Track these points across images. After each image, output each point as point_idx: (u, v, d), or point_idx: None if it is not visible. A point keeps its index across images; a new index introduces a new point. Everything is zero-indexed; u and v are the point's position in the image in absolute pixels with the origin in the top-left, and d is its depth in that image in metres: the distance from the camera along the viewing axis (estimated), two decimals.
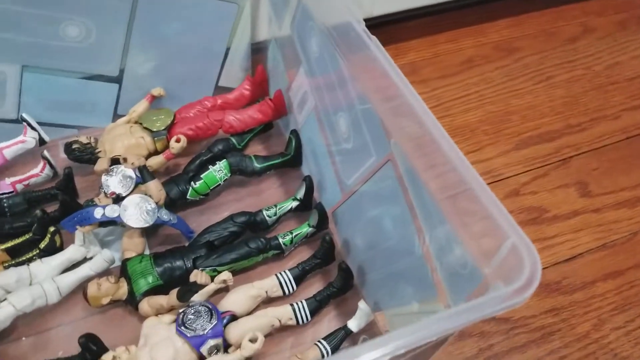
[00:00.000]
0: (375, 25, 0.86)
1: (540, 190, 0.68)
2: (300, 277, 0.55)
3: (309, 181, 0.60)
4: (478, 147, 0.73)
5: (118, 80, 0.66)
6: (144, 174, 0.56)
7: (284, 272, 0.54)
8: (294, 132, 0.64)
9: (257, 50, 0.71)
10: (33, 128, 0.60)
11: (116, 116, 0.67)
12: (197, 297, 0.51)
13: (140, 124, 0.64)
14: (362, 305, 0.51)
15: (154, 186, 0.56)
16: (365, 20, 0.81)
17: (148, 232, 0.57)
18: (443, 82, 0.81)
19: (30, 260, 0.53)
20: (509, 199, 0.67)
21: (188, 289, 0.49)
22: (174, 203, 0.59)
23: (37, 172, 0.60)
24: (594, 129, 0.76)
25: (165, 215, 0.55)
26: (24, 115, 0.60)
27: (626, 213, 0.67)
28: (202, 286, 0.49)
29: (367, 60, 0.45)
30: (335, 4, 0.49)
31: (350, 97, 0.49)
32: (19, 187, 0.59)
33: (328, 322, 0.54)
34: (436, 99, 0.79)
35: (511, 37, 0.89)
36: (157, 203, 0.55)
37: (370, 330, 0.52)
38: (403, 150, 0.43)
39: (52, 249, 0.54)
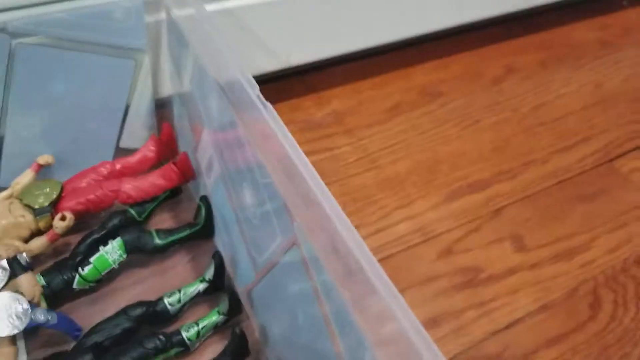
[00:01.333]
0: (295, 73, 0.77)
1: (474, 247, 0.60)
2: None
3: (217, 258, 0.49)
4: (408, 201, 0.64)
5: None
6: (13, 266, 0.44)
7: None
8: (204, 199, 0.54)
9: (162, 106, 0.60)
10: None
11: None
12: None
13: (21, 199, 0.52)
14: None
15: (26, 281, 0.44)
16: (284, 70, 0.73)
17: (25, 334, 0.45)
18: (369, 131, 0.73)
19: None
20: (442, 259, 0.59)
21: None
22: (58, 295, 0.47)
23: None
24: (525, 175, 0.69)
25: (41, 315, 0.43)
26: None
27: (563, 267, 0.60)
28: None
29: (264, 129, 0.36)
30: (228, 63, 0.40)
31: (251, 167, 0.40)
32: None
33: None
34: (363, 149, 0.70)
35: (437, 79, 0.82)
36: (30, 301, 0.43)
37: None
38: (306, 235, 0.34)
39: None
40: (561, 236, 0.63)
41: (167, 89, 0.59)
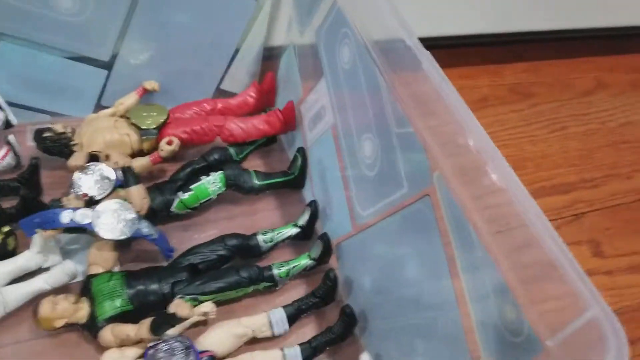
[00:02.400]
0: None
1: None
2: (294, 317, 0.45)
3: (314, 207, 0.51)
4: None
5: (108, 66, 0.56)
6: (127, 177, 0.46)
7: (277, 310, 0.45)
8: (301, 150, 0.55)
9: (269, 56, 0.62)
10: (0, 108, 0.50)
11: (99, 107, 0.57)
12: (171, 331, 0.41)
13: (128, 118, 0.54)
14: (364, 357, 0.42)
15: (137, 192, 0.46)
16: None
17: (121, 246, 0.47)
18: None
19: None
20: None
21: (165, 321, 0.39)
22: (156, 214, 0.49)
23: None
24: (607, 186, 0.70)
25: (145, 228, 0.45)
26: None
27: (639, 278, 0.60)
28: (181, 320, 0.39)
29: (416, 78, 0.37)
30: (381, 11, 0.40)
31: (385, 119, 0.41)
32: None
33: None
34: None
35: (528, 81, 0.83)
36: (137, 213, 0.45)
37: None
38: (450, 186, 0.34)
39: (3, 253, 0.43)
40: (639, 250, 0.63)
41: (279, 38, 0.60)
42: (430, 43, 0.77)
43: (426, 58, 0.37)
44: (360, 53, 0.43)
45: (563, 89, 0.83)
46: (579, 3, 0.82)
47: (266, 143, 0.59)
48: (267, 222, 0.53)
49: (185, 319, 0.39)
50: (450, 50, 0.84)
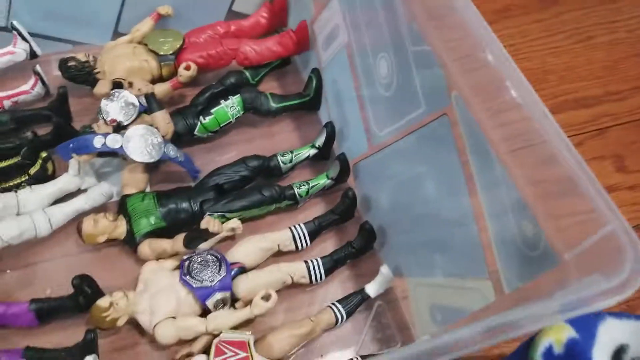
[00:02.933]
0: None
1: None
2: (315, 233, 0.53)
3: (330, 128, 0.57)
4: None
5: None
6: (151, 103, 0.53)
7: (299, 225, 0.52)
8: (316, 71, 0.61)
9: None
10: (24, 39, 0.56)
11: (117, 34, 0.63)
12: (203, 245, 0.49)
13: (145, 45, 0.60)
14: (384, 270, 0.49)
15: (162, 117, 0.53)
16: None
17: (150, 168, 0.54)
18: None
19: (17, 186, 0.50)
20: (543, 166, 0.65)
21: (197, 236, 0.47)
22: (180, 138, 0.56)
23: (28, 89, 0.56)
24: (634, 99, 0.74)
25: (172, 151, 0.52)
26: (15, 23, 0.56)
27: None
28: (212, 234, 0.47)
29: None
30: None
31: (400, 36, 0.45)
32: (7, 103, 0.55)
33: (341, 284, 0.53)
34: None
35: None
36: (163, 137, 0.52)
37: (387, 296, 0.51)
38: (468, 105, 0.38)
39: (43, 177, 0.51)
40: None
41: None
42: None
43: None
44: None
45: None
46: None
47: (280, 65, 0.65)
48: (285, 144, 0.60)
49: (215, 234, 0.47)
50: None
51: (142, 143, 0.50)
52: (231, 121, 0.58)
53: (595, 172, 0.65)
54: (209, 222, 0.46)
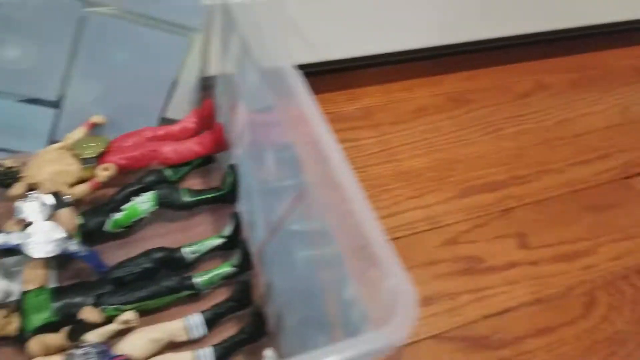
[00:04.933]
0: (333, 70, 0.81)
1: (479, 240, 0.61)
2: (212, 322, 0.47)
3: (236, 218, 0.53)
4: (421, 193, 0.66)
5: (57, 105, 0.59)
6: (58, 201, 0.49)
7: (194, 315, 0.47)
8: (232, 167, 0.57)
9: (207, 85, 0.64)
10: None
11: (52, 142, 0.60)
12: (95, 338, 0.43)
13: (72, 150, 0.57)
14: (268, 353, 0.43)
15: (66, 214, 0.49)
16: (322, 63, 0.76)
17: (59, 265, 0.49)
18: (394, 128, 0.75)
19: None
20: (445, 246, 0.60)
21: (80, 328, 0.42)
22: (91, 234, 0.52)
23: None
24: (539, 182, 0.70)
25: (73, 246, 0.48)
26: None
27: (563, 267, 0.60)
28: (93, 325, 0.41)
29: (296, 105, 0.39)
30: (273, 50, 0.43)
31: (277, 138, 0.43)
32: None
33: None
34: (385, 143, 0.73)
35: (465, 89, 0.84)
36: (68, 233, 0.48)
37: None
38: (315, 191, 0.36)
39: None
40: (566, 240, 0.63)
41: (213, 69, 0.63)
42: (377, 60, 0.80)
43: (299, 85, 0.39)
44: (260, 81, 0.46)
45: (501, 94, 0.84)
46: (515, 10, 0.83)
47: (204, 163, 0.61)
48: (202, 236, 0.55)
49: (95, 324, 0.41)
50: (394, 66, 0.86)
51: (43, 239, 0.46)
52: (144, 216, 0.53)
53: (499, 249, 0.60)
54: (85, 312, 0.41)
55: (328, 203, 0.34)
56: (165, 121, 0.65)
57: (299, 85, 0.40)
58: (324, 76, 0.81)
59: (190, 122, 0.63)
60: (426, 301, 0.55)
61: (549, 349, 0.52)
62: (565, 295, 0.57)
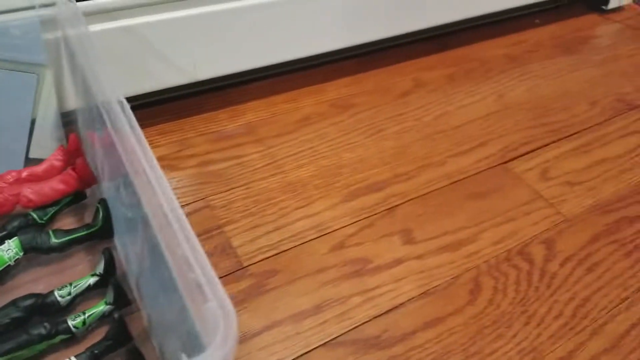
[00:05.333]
0: (212, 89, 0.81)
1: (365, 241, 0.64)
2: None
3: (107, 254, 0.52)
4: (308, 202, 0.68)
5: None
6: None
7: (70, 358, 0.45)
8: (102, 201, 0.56)
9: (69, 119, 0.63)
10: None
11: None
12: None
13: None
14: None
15: None
16: (193, 84, 0.77)
17: None
18: (279, 140, 0.76)
19: None
20: (333, 252, 0.62)
21: None
22: None
23: None
24: (420, 177, 0.73)
25: None
26: None
27: (448, 257, 0.63)
28: None
29: (122, 137, 0.39)
30: (101, 83, 0.43)
31: (121, 168, 0.43)
32: None
33: None
34: (271, 156, 0.74)
35: (349, 94, 0.87)
36: None
37: None
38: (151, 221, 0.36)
39: None
40: (449, 230, 0.66)
41: (72, 102, 0.62)
42: (260, 74, 0.82)
43: (122, 118, 0.39)
44: (102, 121, 0.46)
45: (382, 95, 0.87)
46: (389, 12, 0.86)
47: (74, 200, 0.60)
48: (79, 277, 0.54)
49: None
50: (278, 78, 0.88)
51: None
52: (10, 264, 0.51)
53: (385, 248, 0.62)
54: None
55: (161, 233, 0.34)
56: (32, 161, 0.63)
57: (122, 118, 0.40)
58: (205, 94, 0.82)
59: (56, 160, 0.61)
60: (315, 309, 0.56)
61: (438, 340, 0.55)
62: (451, 285, 0.60)
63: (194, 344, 0.32)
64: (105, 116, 0.41)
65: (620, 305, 0.59)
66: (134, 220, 0.43)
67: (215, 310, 0.27)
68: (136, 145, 0.37)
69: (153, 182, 0.34)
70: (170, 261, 0.33)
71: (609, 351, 0.55)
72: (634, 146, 0.83)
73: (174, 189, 0.67)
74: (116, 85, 0.41)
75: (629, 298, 0.60)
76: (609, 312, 0.59)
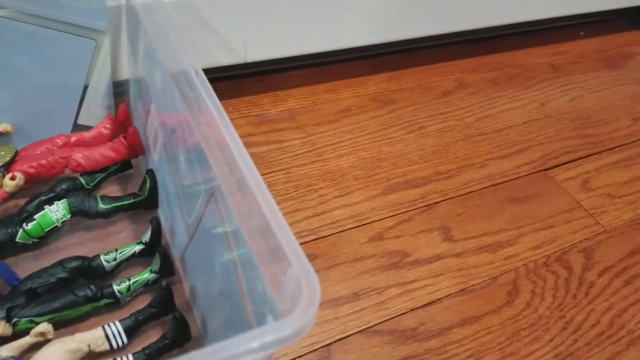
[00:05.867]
0: (255, 73, 0.83)
1: (404, 235, 0.65)
2: (133, 329, 0.47)
3: (155, 223, 0.53)
4: (347, 191, 0.69)
5: None
6: None
7: (113, 323, 0.47)
8: (150, 172, 0.58)
9: (120, 89, 0.65)
10: None
11: None
12: (8, 352, 0.42)
13: None
14: None
15: None
16: (245, 67, 0.78)
17: None
18: (319, 129, 0.78)
19: None
20: (372, 242, 0.63)
21: None
22: (2, 246, 0.51)
23: None
24: (461, 177, 0.74)
25: None
26: None
27: (487, 258, 0.64)
28: (5, 339, 0.41)
29: (201, 107, 0.41)
30: (179, 54, 0.44)
31: (187, 140, 0.44)
32: None
33: None
34: (311, 144, 0.75)
35: (389, 89, 0.88)
36: None
37: None
38: (224, 193, 0.38)
39: None
40: (489, 231, 0.67)
41: (125, 72, 0.63)
42: (301, 62, 0.83)
43: (204, 92, 0.40)
44: (167, 83, 0.47)
45: (423, 93, 0.88)
46: (435, 10, 0.88)
47: (121, 169, 0.61)
48: (121, 244, 0.55)
49: (10, 338, 0.41)
50: (319, 68, 0.89)
51: None
52: (57, 225, 0.53)
53: (424, 243, 0.64)
54: None
55: (237, 204, 0.36)
56: (80, 128, 0.64)
57: (201, 90, 0.41)
58: (250, 78, 0.83)
59: (104, 128, 0.63)
60: (354, 297, 0.57)
61: (474, 338, 0.56)
62: (489, 285, 0.61)
63: (260, 312, 0.34)
64: (178, 86, 0.42)
65: None
66: (194, 194, 0.45)
67: (298, 275, 0.29)
68: (217, 117, 0.38)
69: (235, 153, 0.35)
70: (245, 229, 0.34)
71: None
72: None
73: None
74: (193, 55, 0.43)
75: None
76: None
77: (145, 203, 0.57)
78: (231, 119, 0.76)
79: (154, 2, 0.53)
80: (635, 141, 0.88)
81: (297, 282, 0.29)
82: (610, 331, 0.58)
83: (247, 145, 0.72)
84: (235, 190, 0.35)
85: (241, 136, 0.75)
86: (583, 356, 0.56)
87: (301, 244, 0.61)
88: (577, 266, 0.65)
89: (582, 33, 1.17)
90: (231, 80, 0.82)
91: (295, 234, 0.62)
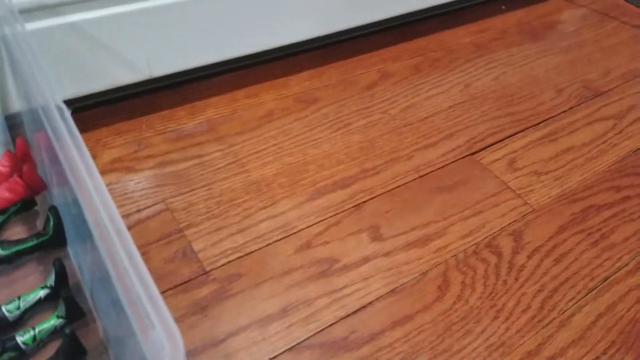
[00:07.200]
0: (170, 85, 0.79)
1: (333, 240, 0.63)
2: None
3: (57, 265, 0.50)
4: (272, 201, 0.67)
5: None
6: None
7: None
8: (52, 209, 0.54)
9: (14, 121, 0.61)
10: None
11: None
12: None
13: None
14: None
15: None
16: (147, 82, 0.74)
17: None
18: (241, 138, 0.75)
19: None
20: (299, 252, 0.61)
21: None
22: None
23: None
24: (388, 172, 0.73)
25: None
26: None
27: (416, 253, 0.63)
28: None
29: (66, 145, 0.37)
30: (39, 86, 0.41)
31: (64, 177, 0.41)
32: None
33: None
34: (233, 155, 0.72)
35: (312, 87, 0.86)
36: None
37: None
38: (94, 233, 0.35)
39: None
40: (417, 225, 0.66)
41: (16, 104, 0.59)
42: (219, 69, 0.80)
43: (61, 124, 0.37)
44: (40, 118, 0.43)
45: (346, 88, 0.86)
46: (351, 1, 0.85)
47: (23, 208, 0.58)
48: (29, 290, 0.52)
49: None
50: (238, 72, 0.86)
51: None
52: None
53: (352, 246, 0.62)
54: None
55: (104, 246, 0.33)
56: None
57: (61, 125, 0.38)
58: (162, 92, 0.80)
59: (2, 166, 0.59)
60: (282, 313, 0.55)
61: (406, 339, 0.55)
62: (419, 282, 0.60)
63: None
64: (45, 121, 0.39)
65: (587, 296, 0.60)
66: (83, 229, 0.42)
67: (160, 336, 0.26)
68: (75, 154, 0.35)
69: (92, 192, 0.32)
70: (115, 276, 0.31)
71: (576, 343, 0.56)
72: (600, 134, 0.84)
73: (131, 192, 0.65)
74: (55, 89, 0.39)
75: (595, 288, 0.61)
76: (576, 303, 0.59)
77: (51, 242, 0.54)
78: (146, 137, 0.73)
79: (19, 32, 0.49)
80: (559, 114, 0.88)
81: (160, 344, 0.26)
82: (542, 314, 0.58)
83: (164, 164, 0.69)
84: (103, 234, 0.33)
85: (157, 154, 0.72)
86: (515, 344, 0.55)
87: (225, 263, 0.59)
88: (507, 250, 0.65)
89: (503, 7, 1.16)
90: (144, 96, 0.78)
91: (218, 254, 0.60)
